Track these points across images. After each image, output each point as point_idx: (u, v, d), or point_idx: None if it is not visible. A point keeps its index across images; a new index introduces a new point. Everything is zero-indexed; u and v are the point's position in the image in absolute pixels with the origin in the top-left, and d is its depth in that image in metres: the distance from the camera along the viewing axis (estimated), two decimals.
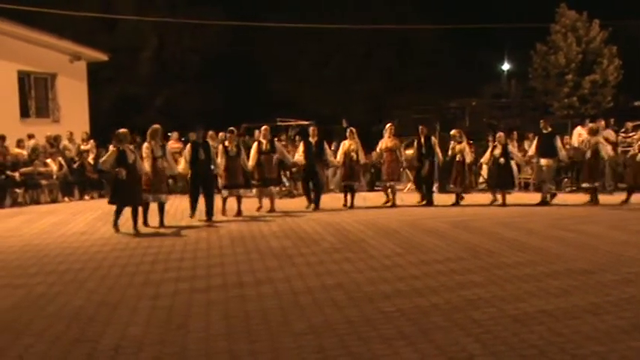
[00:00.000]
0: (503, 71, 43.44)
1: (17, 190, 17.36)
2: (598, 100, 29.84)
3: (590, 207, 14.85)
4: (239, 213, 13.99)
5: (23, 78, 22.42)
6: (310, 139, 15.61)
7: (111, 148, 12.39)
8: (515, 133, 20.43)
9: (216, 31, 33.17)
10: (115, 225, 11.80)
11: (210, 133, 20.83)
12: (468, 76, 37.91)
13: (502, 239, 10.33)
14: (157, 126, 12.80)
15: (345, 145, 15.68)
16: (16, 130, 19.66)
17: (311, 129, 16.06)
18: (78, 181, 18.95)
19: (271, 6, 34.12)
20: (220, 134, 20.43)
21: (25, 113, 22.35)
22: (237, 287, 7.43)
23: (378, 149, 15.97)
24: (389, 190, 15.74)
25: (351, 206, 15.33)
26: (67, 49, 23.36)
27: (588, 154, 15.35)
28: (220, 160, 13.89)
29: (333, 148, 19.48)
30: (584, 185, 15.67)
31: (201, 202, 13.48)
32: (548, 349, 5.13)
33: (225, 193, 14.07)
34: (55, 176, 18.43)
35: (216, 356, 5.18)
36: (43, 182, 18.07)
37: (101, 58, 24.96)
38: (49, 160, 18.54)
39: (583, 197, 15.78)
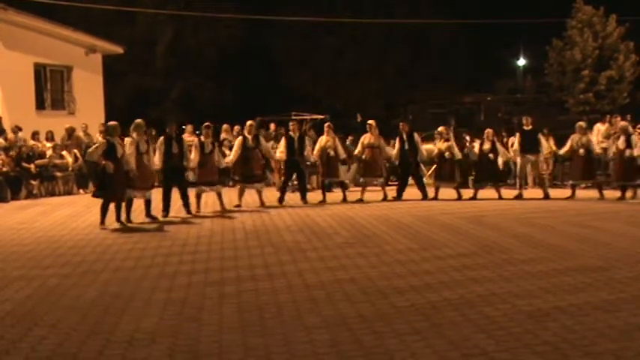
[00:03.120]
0: (519, 67, 43.24)
1: (32, 182, 17.47)
2: (614, 97, 29.65)
3: (607, 202, 14.72)
4: (223, 210, 13.66)
5: (39, 70, 22.56)
6: (291, 134, 15.27)
7: (100, 139, 12.36)
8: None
9: (232, 24, 33.21)
10: (102, 222, 11.46)
11: (225, 126, 20.92)
12: (483, 72, 37.79)
13: (516, 235, 10.28)
14: (139, 120, 12.53)
15: (322, 140, 15.57)
16: (32, 122, 19.79)
17: (291, 124, 15.73)
18: (93, 174, 19.02)
19: (286, 0, 34.09)
20: (236, 127, 20.48)
21: (40, 105, 22.50)
22: (250, 281, 7.44)
23: (360, 145, 15.78)
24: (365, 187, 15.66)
25: (344, 199, 15.30)
26: (82, 41, 23.47)
27: (581, 152, 15.39)
28: (194, 156, 13.42)
29: (349, 143, 19.49)
30: (574, 183, 15.74)
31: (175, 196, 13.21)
32: (561, 346, 5.10)
33: (199, 189, 13.63)
34: (70, 168, 18.55)
35: (229, 349, 5.19)
36: (58, 174, 18.19)
37: (117, 50, 25.08)
38: (64, 152, 18.66)
39: (594, 193, 15.67)
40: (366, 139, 15.68)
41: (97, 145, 11.86)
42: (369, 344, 5.24)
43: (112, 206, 11.70)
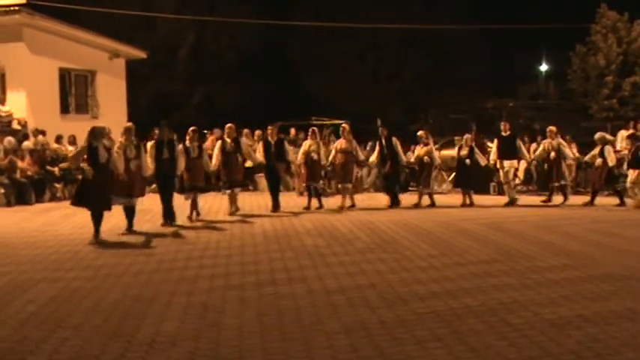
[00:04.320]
0: (541, 72, 42.96)
1: (56, 185, 17.64)
2: (638, 103, 29.33)
3: (625, 210, 14.66)
4: (197, 215, 13.28)
5: (64, 75, 22.79)
6: (269, 138, 14.97)
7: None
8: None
9: (253, 29, 33.32)
10: (96, 234, 10.61)
11: (246, 131, 20.96)
12: (505, 77, 37.59)
13: (538, 242, 10.20)
14: (129, 124, 12.09)
15: (305, 145, 15.30)
16: (57, 126, 20.00)
17: (269, 129, 15.41)
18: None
19: (307, 5, 34.17)
20: (257, 132, 20.53)
21: (65, 109, 22.72)
22: (270, 285, 7.45)
23: (333, 151, 15.51)
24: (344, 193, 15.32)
25: (320, 207, 14.84)
26: (106, 46, 23.68)
27: (552, 156, 15.54)
28: (180, 161, 12.75)
29: (368, 148, 19.46)
30: (553, 185, 15.83)
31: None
32: (585, 355, 5.05)
33: (188, 195, 13.12)
34: None
35: (249, 354, 5.20)
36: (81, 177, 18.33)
37: (140, 55, 25.28)
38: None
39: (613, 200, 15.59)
40: (339, 144, 15.37)
41: (77, 149, 11.10)
42: (389, 350, 5.22)
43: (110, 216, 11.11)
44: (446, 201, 16.18)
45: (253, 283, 7.54)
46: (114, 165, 10.77)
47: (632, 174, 15.15)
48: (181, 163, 12.73)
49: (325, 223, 12.58)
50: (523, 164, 15.93)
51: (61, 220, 13.24)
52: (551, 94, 38.42)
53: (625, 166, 15.77)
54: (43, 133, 19.09)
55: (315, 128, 15.82)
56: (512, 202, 15.50)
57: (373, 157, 15.77)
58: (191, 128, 13.40)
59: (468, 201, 15.40)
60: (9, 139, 18.07)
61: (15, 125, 19.92)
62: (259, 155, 14.68)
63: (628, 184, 15.22)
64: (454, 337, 5.52)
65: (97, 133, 10.80)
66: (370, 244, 10.19)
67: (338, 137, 16.26)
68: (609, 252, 9.35)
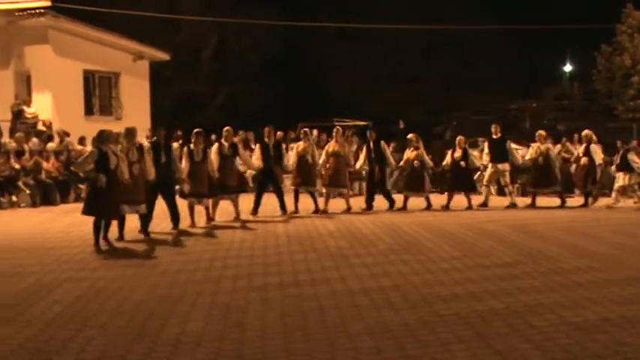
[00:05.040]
0: (566, 73, 42.58)
1: (81, 186, 17.77)
2: None
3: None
4: (209, 219, 12.78)
5: (88, 77, 23.00)
6: (265, 139, 14.27)
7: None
8: (576, 136, 19.99)
9: (275, 30, 33.41)
10: (97, 243, 10.00)
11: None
12: (528, 78, 37.29)
13: (562, 244, 10.12)
14: (132, 127, 11.51)
15: (298, 147, 14.78)
16: (81, 127, 20.17)
17: (266, 130, 14.45)
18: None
19: (329, 6, 34.18)
20: (279, 133, 20.56)
21: (89, 111, 22.93)
22: (293, 286, 7.47)
23: (324, 154, 15.14)
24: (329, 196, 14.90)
25: (316, 211, 14.33)
26: (130, 48, 23.85)
27: (540, 161, 15.45)
28: (184, 165, 12.29)
29: (391, 150, 19.40)
30: (534, 190, 15.82)
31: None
32: (611, 359, 5.00)
33: (191, 201, 12.54)
34: None
35: (272, 354, 5.22)
36: None
37: (163, 57, 25.43)
38: None
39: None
40: (330, 147, 15.04)
41: (86, 154, 10.39)
42: (412, 352, 5.21)
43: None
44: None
45: (276, 284, 7.56)
46: (120, 170, 10.19)
47: (622, 177, 15.31)
48: (184, 167, 12.24)
49: (348, 225, 12.58)
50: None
51: (85, 221, 13.21)
52: (575, 95, 38.05)
53: (614, 168, 15.93)
54: (68, 134, 19.28)
55: (306, 130, 15.30)
56: (513, 205, 15.40)
57: (361, 162, 15.50)
58: (195, 130, 12.79)
59: (467, 203, 15.27)
60: (34, 141, 18.33)
61: (40, 126, 20.15)
62: (257, 160, 14.03)
63: (616, 187, 15.39)
64: (478, 339, 5.49)
65: (104, 138, 10.24)
66: (393, 246, 10.17)
67: (361, 138, 16.17)
68: (635, 254, 9.25)
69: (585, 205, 15.35)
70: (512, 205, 15.39)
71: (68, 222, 13.27)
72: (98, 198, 9.90)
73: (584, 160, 15.33)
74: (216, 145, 13.40)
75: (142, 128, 21.65)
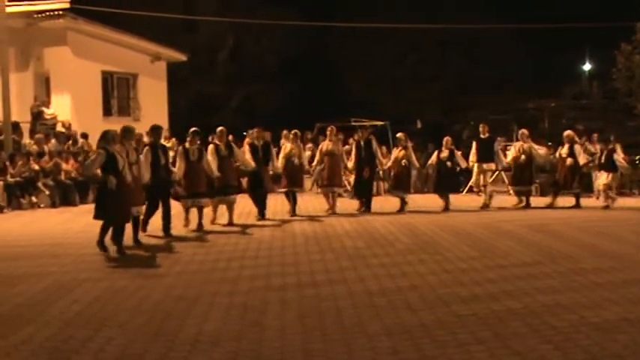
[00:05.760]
0: (585, 71, 42.27)
1: None
2: None
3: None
4: (200, 227, 12.07)
5: (107, 78, 23.18)
6: (255, 142, 13.85)
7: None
8: (595, 135, 19.84)
9: (293, 31, 33.44)
10: (101, 244, 9.73)
11: (285, 132, 21.01)
12: (547, 77, 37.04)
13: (581, 244, 10.05)
14: (129, 126, 11.03)
15: (286, 148, 14.46)
16: (99, 128, 19.88)
17: (255, 130, 14.21)
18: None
19: (345, 6, 34.16)
20: (266, 134, 20.56)
21: (107, 112, 23.10)
22: (311, 286, 7.47)
23: (318, 153, 15.00)
24: (330, 196, 14.72)
25: (293, 213, 14.11)
26: (148, 49, 24.01)
27: (522, 159, 15.42)
28: (179, 165, 11.95)
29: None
30: (517, 189, 15.87)
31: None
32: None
33: (186, 203, 12.17)
34: None
35: (290, 355, 5.22)
36: None
37: (180, 58, 25.56)
38: None
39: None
40: (324, 146, 14.89)
41: (94, 156, 9.92)
42: (430, 353, 5.19)
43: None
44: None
45: (294, 285, 7.57)
46: (126, 173, 9.83)
47: (605, 177, 15.27)
48: (181, 169, 11.93)
49: (365, 225, 12.56)
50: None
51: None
52: (594, 94, 37.75)
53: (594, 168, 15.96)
54: (86, 136, 19.41)
55: (297, 131, 14.93)
56: (486, 206, 15.34)
57: (351, 163, 15.26)
58: (192, 129, 12.43)
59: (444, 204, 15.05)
60: (53, 142, 18.47)
61: (59, 128, 20.32)
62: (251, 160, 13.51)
63: (601, 187, 15.37)
64: (497, 340, 5.47)
65: (109, 138, 9.85)
66: (410, 246, 10.14)
67: (381, 138, 16.05)
68: None
69: (577, 205, 15.20)
70: (485, 206, 15.30)
71: (87, 222, 13.29)
72: (109, 201, 9.55)
73: (569, 160, 15.26)
74: (211, 146, 12.92)
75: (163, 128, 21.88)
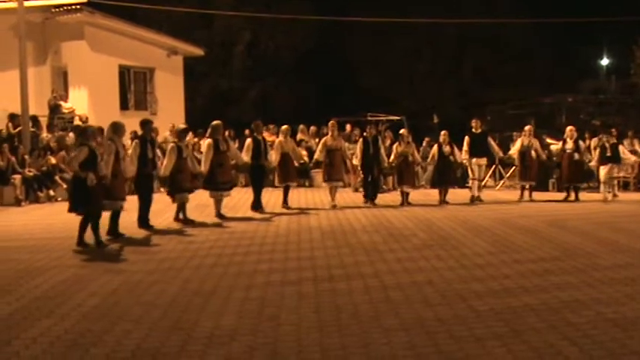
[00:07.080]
0: (602, 67, 41.97)
1: None
2: None
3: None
4: (186, 220, 12.22)
5: (124, 72, 23.29)
6: (257, 135, 13.99)
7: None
8: (614, 130, 19.68)
9: (309, 26, 33.39)
10: (81, 242, 9.76)
11: (301, 127, 21.04)
12: (564, 72, 36.79)
13: (599, 240, 9.98)
14: (118, 121, 11.08)
15: (280, 143, 14.55)
16: None
17: (254, 124, 14.29)
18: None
19: (362, 1, 34.06)
20: (312, 128, 20.57)
21: (124, 106, 23.20)
22: (327, 281, 7.47)
23: (321, 147, 14.97)
24: (331, 190, 14.83)
25: (285, 205, 14.31)
26: (165, 44, 24.10)
27: (532, 154, 15.64)
28: (167, 161, 11.96)
29: (425, 144, 19.30)
30: (523, 184, 15.95)
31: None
32: None
33: (181, 197, 12.18)
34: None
35: (307, 349, 5.23)
36: None
37: (197, 52, 25.63)
38: None
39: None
40: (326, 140, 14.95)
41: (77, 152, 9.93)
42: (447, 348, 5.18)
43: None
44: (501, 197, 15.97)
45: (310, 279, 7.57)
46: (100, 167, 9.91)
47: (603, 170, 15.43)
48: (169, 164, 11.91)
49: (381, 219, 12.54)
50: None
51: (122, 215, 13.46)
52: (612, 89, 37.46)
53: (594, 163, 15.93)
54: (102, 130, 19.45)
55: (287, 126, 15.01)
56: (477, 200, 15.42)
57: (357, 160, 15.34)
58: (182, 127, 12.62)
59: (442, 198, 15.18)
60: (70, 136, 18.55)
61: (77, 121, 20.42)
62: (245, 156, 13.72)
63: (602, 178, 15.50)
64: (514, 335, 5.44)
65: (89, 134, 10.03)
66: (427, 241, 10.12)
67: (394, 133, 16.08)
68: None
69: (576, 199, 15.50)
70: (476, 198, 15.41)
71: (104, 215, 13.39)
72: (86, 195, 9.59)
73: (576, 155, 15.50)
74: (209, 141, 12.94)
75: (177, 123, 21.96)
